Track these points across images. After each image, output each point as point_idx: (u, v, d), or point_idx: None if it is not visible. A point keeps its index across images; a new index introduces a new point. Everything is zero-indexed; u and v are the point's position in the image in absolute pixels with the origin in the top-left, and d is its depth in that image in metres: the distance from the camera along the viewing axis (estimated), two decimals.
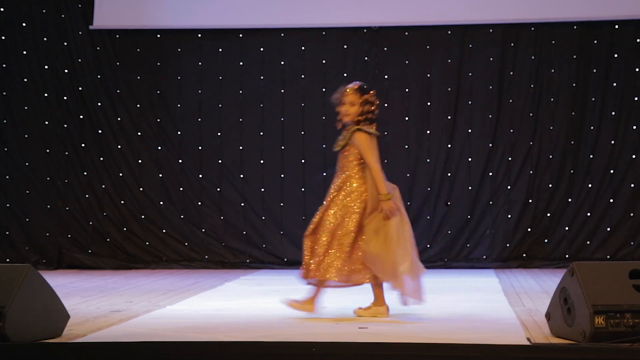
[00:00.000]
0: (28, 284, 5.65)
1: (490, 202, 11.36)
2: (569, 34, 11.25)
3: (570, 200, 11.26)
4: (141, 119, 11.63)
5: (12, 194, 11.61)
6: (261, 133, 11.58)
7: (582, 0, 11.14)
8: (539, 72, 11.31)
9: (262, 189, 11.57)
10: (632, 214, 11.19)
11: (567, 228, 11.25)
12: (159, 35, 11.60)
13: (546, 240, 11.28)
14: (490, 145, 11.37)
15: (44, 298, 5.81)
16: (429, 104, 11.44)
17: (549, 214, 11.28)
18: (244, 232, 11.53)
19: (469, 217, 11.37)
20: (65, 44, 11.59)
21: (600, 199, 11.24)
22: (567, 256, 11.15)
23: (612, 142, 11.23)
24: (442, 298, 8.22)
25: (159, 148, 11.65)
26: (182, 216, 11.57)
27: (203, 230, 11.55)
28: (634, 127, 11.22)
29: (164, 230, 11.55)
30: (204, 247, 11.54)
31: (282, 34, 11.52)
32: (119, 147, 11.60)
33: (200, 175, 11.60)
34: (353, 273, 6.82)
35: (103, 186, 11.60)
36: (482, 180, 11.37)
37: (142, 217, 11.58)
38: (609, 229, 11.21)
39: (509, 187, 11.35)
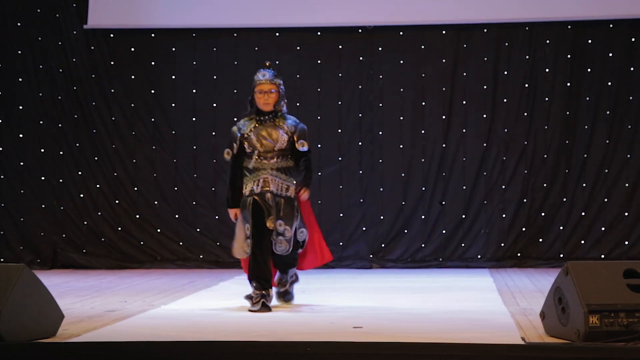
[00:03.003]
0: (22, 283, 5.64)
1: (485, 202, 11.36)
2: (564, 34, 11.26)
3: (564, 199, 11.27)
4: (136, 118, 11.63)
5: (6, 194, 11.59)
6: None
7: (576, 0, 11.15)
8: (533, 71, 11.31)
9: None
10: (626, 214, 11.20)
11: (561, 227, 11.26)
12: (153, 35, 11.59)
13: (540, 240, 11.28)
14: (485, 144, 11.36)
15: (38, 298, 5.80)
16: (423, 103, 11.44)
17: (543, 214, 11.29)
18: None
19: (463, 216, 11.37)
20: (60, 43, 11.58)
21: (594, 198, 11.24)
22: (561, 255, 11.15)
23: (607, 141, 11.23)
24: (437, 297, 8.22)
25: (154, 147, 11.63)
26: (176, 216, 11.56)
27: (198, 229, 11.54)
28: (629, 127, 11.23)
29: (158, 230, 11.54)
30: (198, 246, 11.53)
31: (277, 34, 11.51)
32: (114, 146, 11.59)
33: (195, 175, 11.59)
34: None
35: (98, 186, 11.59)
36: (477, 180, 11.37)
37: (137, 216, 11.57)
38: (603, 229, 11.22)
39: (503, 187, 11.35)
